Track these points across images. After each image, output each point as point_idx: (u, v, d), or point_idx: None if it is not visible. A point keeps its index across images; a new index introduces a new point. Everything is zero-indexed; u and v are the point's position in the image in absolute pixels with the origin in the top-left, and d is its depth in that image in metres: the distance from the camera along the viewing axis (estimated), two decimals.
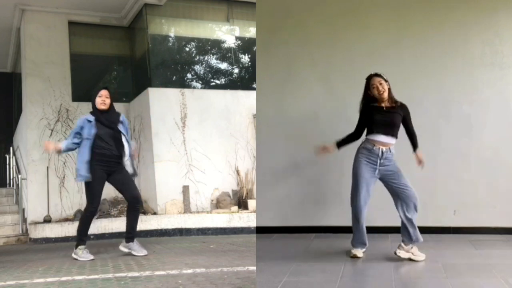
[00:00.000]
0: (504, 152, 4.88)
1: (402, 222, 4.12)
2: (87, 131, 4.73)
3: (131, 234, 4.86)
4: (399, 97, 4.23)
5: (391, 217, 4.57)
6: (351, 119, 4.30)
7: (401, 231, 4.14)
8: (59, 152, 5.02)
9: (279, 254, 4.36)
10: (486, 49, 4.95)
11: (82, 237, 4.81)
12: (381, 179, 4.15)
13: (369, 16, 5.12)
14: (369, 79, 4.15)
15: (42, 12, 8.64)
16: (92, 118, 4.82)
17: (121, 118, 4.92)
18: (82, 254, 4.72)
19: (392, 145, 4.12)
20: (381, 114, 4.10)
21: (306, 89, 5.22)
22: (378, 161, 4.07)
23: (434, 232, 4.86)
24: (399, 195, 4.10)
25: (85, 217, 4.82)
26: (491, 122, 4.91)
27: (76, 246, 4.80)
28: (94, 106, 4.87)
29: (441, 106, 4.97)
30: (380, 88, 4.08)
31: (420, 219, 4.87)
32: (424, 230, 4.80)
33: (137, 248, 4.81)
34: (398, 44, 5.05)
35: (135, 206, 4.83)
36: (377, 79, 4.11)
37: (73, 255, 4.78)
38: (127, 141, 4.82)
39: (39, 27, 8.63)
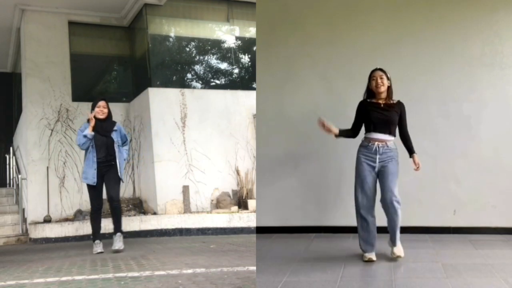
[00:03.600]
0: (504, 152, 4.87)
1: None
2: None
3: (115, 228, 5.39)
4: (398, 96, 4.22)
5: None
6: (351, 119, 4.28)
7: None
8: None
9: (279, 254, 4.36)
10: (486, 49, 4.95)
11: (93, 233, 5.46)
12: (377, 176, 4.10)
13: (369, 15, 5.11)
14: (372, 71, 4.15)
15: (42, 12, 8.63)
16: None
17: (116, 126, 5.43)
18: (94, 247, 5.27)
19: (388, 141, 4.08)
20: (377, 112, 4.08)
21: (306, 89, 5.21)
22: (376, 156, 4.05)
23: (434, 232, 4.85)
24: (381, 196, 4.07)
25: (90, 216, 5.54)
26: (491, 122, 4.91)
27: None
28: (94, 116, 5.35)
29: (441, 105, 4.96)
30: (379, 81, 4.07)
31: (420, 219, 4.88)
32: (424, 230, 4.83)
33: (115, 242, 5.26)
34: (398, 43, 5.04)
35: (111, 204, 5.37)
36: (379, 73, 4.10)
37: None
38: (119, 147, 5.37)
39: (39, 27, 8.62)
